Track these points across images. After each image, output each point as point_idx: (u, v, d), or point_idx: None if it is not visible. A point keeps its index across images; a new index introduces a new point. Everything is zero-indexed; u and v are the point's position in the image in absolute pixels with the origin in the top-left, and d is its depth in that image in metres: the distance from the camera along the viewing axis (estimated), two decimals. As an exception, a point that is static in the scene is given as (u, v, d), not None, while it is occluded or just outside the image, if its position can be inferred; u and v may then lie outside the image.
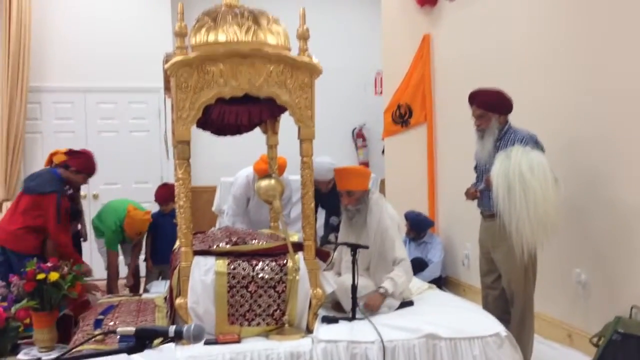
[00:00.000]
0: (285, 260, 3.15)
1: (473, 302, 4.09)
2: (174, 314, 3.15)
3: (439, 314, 3.37)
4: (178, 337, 1.69)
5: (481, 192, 3.90)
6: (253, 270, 3.11)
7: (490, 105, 3.80)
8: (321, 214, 5.23)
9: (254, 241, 3.28)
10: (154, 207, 5.71)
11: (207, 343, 2.96)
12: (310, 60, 3.16)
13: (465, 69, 5.51)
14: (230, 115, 3.17)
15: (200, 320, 3.05)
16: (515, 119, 3.88)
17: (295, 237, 3.51)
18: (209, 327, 3.06)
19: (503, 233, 3.66)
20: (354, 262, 3.29)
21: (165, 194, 5.43)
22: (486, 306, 3.96)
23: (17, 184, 6.93)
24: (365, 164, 8.10)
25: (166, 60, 3.15)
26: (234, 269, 3.10)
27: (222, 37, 3.10)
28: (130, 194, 6.98)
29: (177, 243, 3.27)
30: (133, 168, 7.35)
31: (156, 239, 5.44)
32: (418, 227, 5.93)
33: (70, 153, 4.74)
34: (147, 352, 2.78)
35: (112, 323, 3.41)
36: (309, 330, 3.14)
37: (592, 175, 3.97)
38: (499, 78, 4.56)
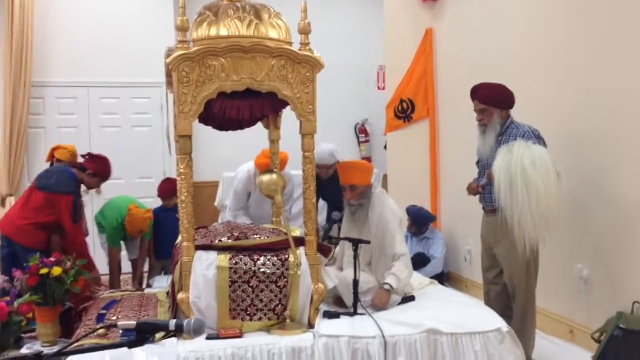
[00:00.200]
0: (287, 255, 3.16)
1: (475, 297, 4.09)
2: (176, 309, 3.16)
3: (440, 310, 3.37)
4: (179, 331, 1.70)
5: (483, 187, 3.89)
6: (255, 265, 3.12)
7: (493, 100, 3.79)
8: (323, 209, 5.23)
9: (255, 236, 3.28)
10: (157, 202, 5.72)
11: (209, 338, 2.97)
12: (312, 55, 3.16)
13: (468, 63, 5.49)
14: (232, 110, 3.16)
15: (202, 315, 3.06)
16: (517, 113, 3.87)
17: (297, 232, 3.51)
18: (210, 322, 3.07)
19: (505, 228, 3.65)
20: (355, 257, 3.30)
21: (168, 189, 5.44)
22: (488, 302, 3.96)
23: (21, 179, 6.96)
24: (368, 159, 8.09)
25: (168, 55, 3.14)
26: (236, 263, 3.10)
27: (223, 32, 3.10)
28: (134, 189, 7.00)
29: (180, 238, 3.28)
30: (136, 163, 7.35)
31: (159, 234, 5.45)
32: (419, 222, 5.93)
33: (89, 156, 4.81)
34: (149, 346, 2.82)
35: (114, 318, 3.42)
36: (310, 326, 3.15)
37: (594, 171, 3.96)
38: (501, 72, 4.56)
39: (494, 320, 3.24)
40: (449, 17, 5.91)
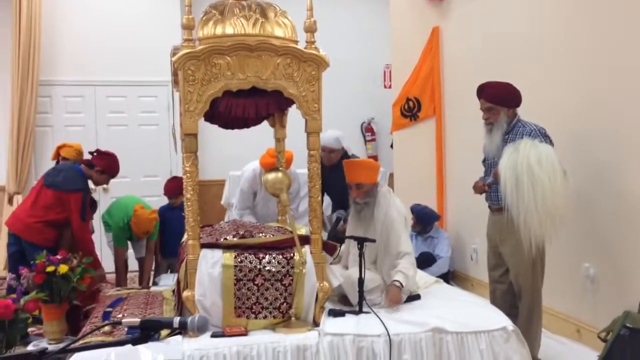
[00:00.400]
0: (292, 254, 3.16)
1: (481, 296, 4.08)
2: (181, 307, 3.17)
3: (445, 308, 3.36)
4: (183, 329, 1.70)
5: (489, 186, 3.88)
6: (260, 263, 3.12)
7: (499, 99, 3.78)
8: (328, 207, 5.23)
9: (261, 234, 3.28)
10: (163, 201, 5.74)
11: (213, 336, 2.98)
12: (317, 53, 3.15)
13: (474, 62, 5.48)
14: (237, 108, 3.17)
15: (208, 312, 3.06)
16: (523, 111, 3.86)
17: (303, 230, 3.51)
18: (215, 320, 3.08)
19: (511, 226, 3.64)
20: (361, 255, 3.29)
21: (174, 187, 5.45)
22: (494, 300, 3.94)
23: (28, 178, 7.00)
24: (374, 158, 8.08)
25: (174, 53, 3.15)
26: (241, 261, 3.10)
27: (229, 30, 3.10)
28: (140, 187, 7.03)
29: (185, 236, 3.29)
30: (142, 161, 7.37)
31: (165, 232, 5.46)
32: (424, 220, 5.89)
33: (97, 153, 4.83)
34: (154, 344, 2.83)
35: (120, 315, 3.43)
36: (315, 324, 3.15)
37: (600, 169, 3.94)
38: (507, 71, 4.54)
39: (500, 319, 3.23)
40: (455, 16, 5.90)
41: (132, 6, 7.46)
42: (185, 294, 3.08)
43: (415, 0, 6.47)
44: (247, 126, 3.89)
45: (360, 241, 3.34)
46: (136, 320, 1.68)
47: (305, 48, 3.16)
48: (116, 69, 7.36)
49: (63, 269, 3.69)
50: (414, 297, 3.52)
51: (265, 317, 3.14)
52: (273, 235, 3.30)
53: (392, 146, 7.54)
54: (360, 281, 3.27)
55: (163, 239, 5.51)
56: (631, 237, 3.73)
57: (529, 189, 3.51)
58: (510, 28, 4.94)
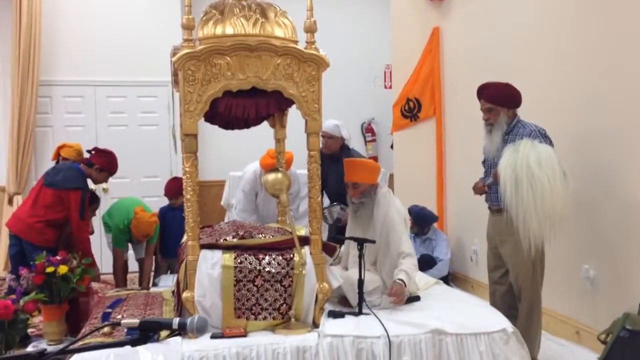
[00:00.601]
0: (292, 255, 3.15)
1: (481, 298, 4.07)
2: (181, 308, 3.16)
3: (445, 309, 3.35)
4: (182, 329, 1.69)
5: (489, 187, 3.87)
6: (260, 264, 3.11)
7: (499, 99, 3.78)
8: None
9: (260, 235, 3.28)
10: (163, 201, 5.74)
11: (213, 337, 2.97)
12: (317, 53, 3.15)
13: (474, 62, 5.47)
14: (237, 109, 3.16)
15: (207, 313, 3.06)
16: (523, 112, 3.85)
17: (302, 231, 3.50)
18: (215, 321, 3.07)
19: (510, 227, 3.64)
20: (360, 256, 3.29)
21: (174, 187, 5.45)
22: (494, 302, 3.94)
23: (28, 178, 7.00)
24: (374, 158, 8.08)
25: (174, 54, 3.15)
26: (241, 262, 3.10)
27: (229, 30, 3.10)
28: (140, 187, 7.03)
29: (185, 237, 3.28)
30: (142, 162, 7.37)
31: (165, 233, 5.46)
32: (422, 221, 5.86)
33: (95, 151, 4.83)
34: (154, 345, 2.83)
35: (119, 316, 3.43)
36: (315, 325, 3.14)
37: (600, 170, 3.94)
38: (508, 71, 4.54)
39: (499, 321, 3.23)
40: (455, 16, 5.90)
41: (132, 6, 7.46)
42: (185, 294, 3.07)
43: (415, 0, 6.47)
44: (247, 127, 3.89)
45: (360, 242, 3.34)
46: (135, 321, 1.68)
47: (305, 48, 3.16)
48: (116, 69, 7.36)
49: (63, 269, 3.69)
50: (413, 299, 3.52)
51: (264, 318, 3.13)
52: (273, 236, 3.29)
53: (392, 147, 7.54)
54: (360, 282, 3.26)
55: (163, 239, 5.50)
56: (631, 238, 3.73)
57: (528, 189, 3.51)
58: (510, 28, 4.93)
